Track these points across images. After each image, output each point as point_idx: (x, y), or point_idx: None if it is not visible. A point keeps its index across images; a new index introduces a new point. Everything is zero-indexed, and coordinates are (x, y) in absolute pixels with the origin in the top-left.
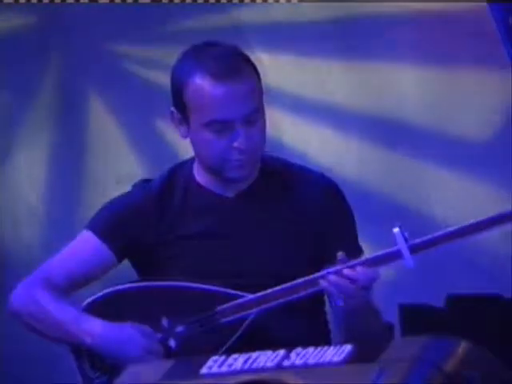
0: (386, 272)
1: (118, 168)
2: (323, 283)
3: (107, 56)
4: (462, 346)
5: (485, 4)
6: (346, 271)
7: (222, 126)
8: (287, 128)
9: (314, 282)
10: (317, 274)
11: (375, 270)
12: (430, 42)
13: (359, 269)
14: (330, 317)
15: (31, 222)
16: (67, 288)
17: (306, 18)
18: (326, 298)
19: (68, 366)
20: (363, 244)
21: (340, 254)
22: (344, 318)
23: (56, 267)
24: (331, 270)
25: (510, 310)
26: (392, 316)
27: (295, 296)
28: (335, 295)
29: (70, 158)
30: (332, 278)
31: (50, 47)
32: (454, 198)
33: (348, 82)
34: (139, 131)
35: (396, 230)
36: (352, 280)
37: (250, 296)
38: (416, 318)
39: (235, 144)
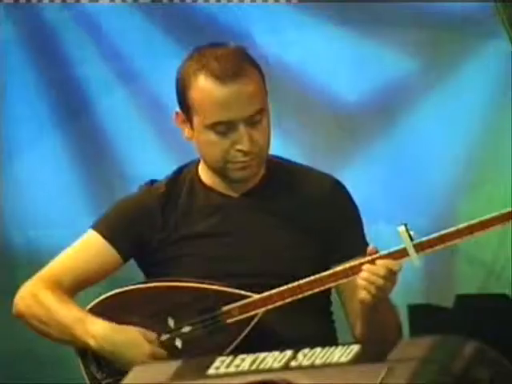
0: None
1: (125, 168)
2: (358, 276)
3: (116, 55)
4: (470, 346)
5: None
6: (368, 265)
7: (225, 127)
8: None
9: (326, 278)
10: (323, 271)
11: (397, 263)
12: None
13: (380, 262)
14: (337, 316)
15: (38, 223)
16: (71, 288)
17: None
18: (331, 297)
19: (74, 367)
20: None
21: (370, 249)
22: (364, 313)
23: (60, 267)
24: (358, 262)
25: None
26: (400, 315)
27: (301, 295)
28: (366, 288)
29: (79, 159)
30: (363, 271)
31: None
32: None
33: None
34: (148, 131)
35: (401, 228)
36: (376, 273)
37: (256, 296)
38: (424, 318)
39: (238, 146)
